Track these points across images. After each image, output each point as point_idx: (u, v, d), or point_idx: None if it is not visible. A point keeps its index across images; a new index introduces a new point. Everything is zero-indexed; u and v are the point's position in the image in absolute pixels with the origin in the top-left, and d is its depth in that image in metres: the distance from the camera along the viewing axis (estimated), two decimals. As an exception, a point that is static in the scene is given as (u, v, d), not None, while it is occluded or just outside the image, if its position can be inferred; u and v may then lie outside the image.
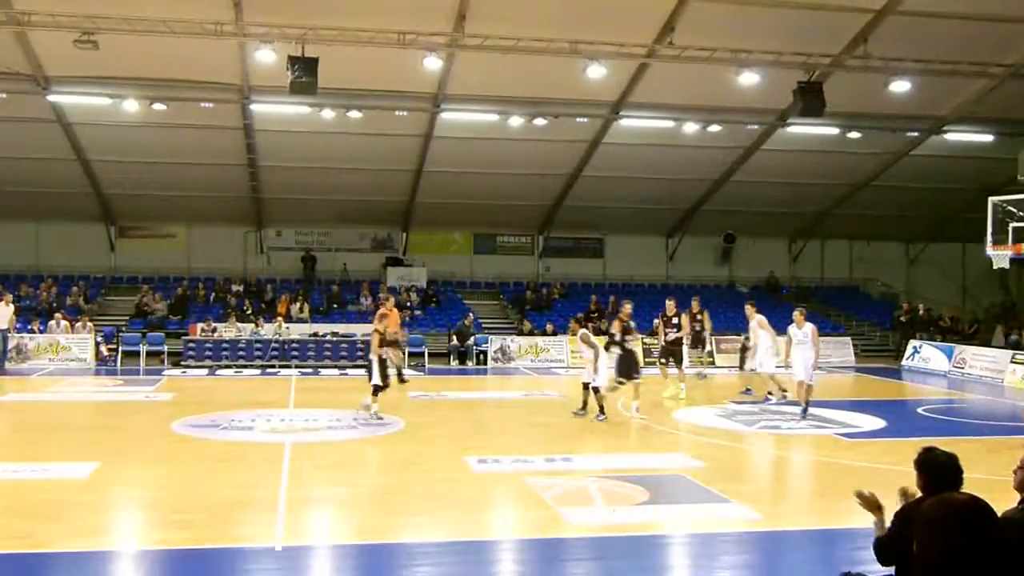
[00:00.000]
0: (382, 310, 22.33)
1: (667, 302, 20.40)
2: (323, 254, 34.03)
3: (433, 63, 22.14)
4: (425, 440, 15.07)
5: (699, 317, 21.50)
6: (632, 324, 17.39)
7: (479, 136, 27.51)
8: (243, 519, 9.78)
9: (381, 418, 16.33)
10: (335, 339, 28.24)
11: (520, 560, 9.07)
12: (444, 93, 25.20)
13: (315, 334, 28.53)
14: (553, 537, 9.33)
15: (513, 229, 35.04)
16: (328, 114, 25.30)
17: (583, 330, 17.97)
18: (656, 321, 21.05)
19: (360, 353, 27.09)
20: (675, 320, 19.92)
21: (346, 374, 25.59)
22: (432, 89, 24.95)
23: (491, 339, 28.56)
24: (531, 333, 29.43)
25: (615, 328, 17.36)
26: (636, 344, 18.28)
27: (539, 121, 26.01)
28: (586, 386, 16.91)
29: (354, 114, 25.25)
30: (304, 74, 20.82)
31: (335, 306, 31.66)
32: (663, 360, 20.27)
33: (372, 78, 24.14)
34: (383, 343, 16.79)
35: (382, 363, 16.61)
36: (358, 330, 28.66)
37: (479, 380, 25.29)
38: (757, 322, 19.36)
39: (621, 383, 16.95)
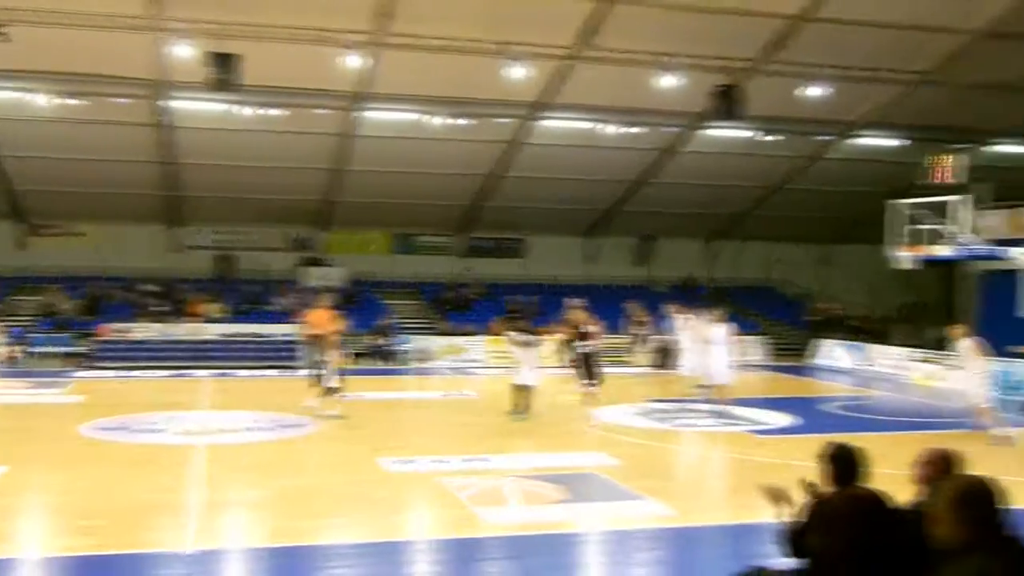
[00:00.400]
0: (316, 310, 22.20)
1: (571, 306, 20.01)
2: (241, 253, 33.52)
3: (355, 61, 21.97)
4: (342, 441, 14.97)
5: (642, 320, 21.55)
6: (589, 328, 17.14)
7: (400, 135, 27.38)
8: (153, 524, 9.59)
9: (340, 416, 16.51)
10: (252, 339, 27.85)
11: (436, 560, 9.05)
12: (366, 92, 25.02)
13: (231, 335, 28.09)
14: (468, 537, 9.34)
15: (433, 229, 34.96)
16: (248, 111, 24.93)
17: (513, 334, 17.92)
18: (563, 327, 19.82)
19: (281, 353, 26.83)
20: (587, 329, 18.50)
21: (264, 375, 25.26)
22: (354, 88, 24.75)
23: (410, 339, 28.46)
24: (451, 333, 29.40)
25: (569, 329, 17.15)
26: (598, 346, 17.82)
27: (461, 121, 25.99)
28: (517, 386, 17.05)
29: (275, 112, 24.94)
30: (223, 71, 20.50)
31: (253, 306, 31.24)
32: (570, 364, 19.15)
33: (293, 76, 23.86)
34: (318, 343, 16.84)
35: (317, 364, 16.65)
36: (276, 330, 28.32)
37: (397, 380, 25.17)
38: (678, 323, 19.35)
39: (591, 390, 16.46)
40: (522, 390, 16.98)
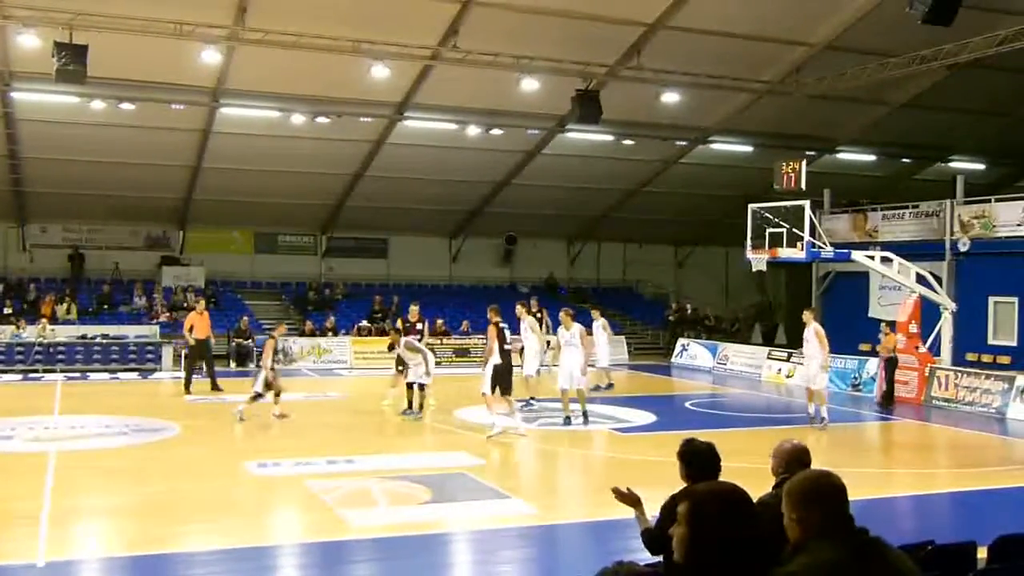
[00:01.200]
0: (194, 314, 21.92)
1: (411, 307, 20.03)
2: (92, 252, 32.25)
3: (212, 56, 21.44)
4: (203, 445, 14.67)
5: (539, 317, 21.61)
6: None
7: (260, 133, 26.85)
8: (3, 535, 9.22)
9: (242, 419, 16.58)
10: (105, 341, 26.87)
11: (301, 564, 9.01)
12: (223, 88, 24.45)
13: (83, 336, 27.06)
14: (334, 540, 9.31)
15: (295, 228, 34.42)
16: (99, 105, 24.02)
17: (406, 338, 17.85)
18: (399, 325, 19.63)
19: (137, 356, 26.01)
20: (419, 326, 19.07)
21: (117, 378, 24.43)
22: (211, 83, 24.15)
23: (272, 340, 27.95)
24: (313, 334, 29.05)
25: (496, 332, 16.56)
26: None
27: (322, 120, 25.70)
28: (410, 385, 17.32)
29: (127, 106, 24.11)
30: (72, 62, 19.66)
31: (105, 307, 30.13)
32: (400, 368, 18.71)
33: (147, 69, 23.11)
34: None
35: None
36: (130, 332, 27.41)
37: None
38: (528, 324, 18.78)
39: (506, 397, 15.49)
40: (413, 389, 17.32)
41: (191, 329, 21.34)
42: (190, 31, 20.56)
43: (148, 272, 32.28)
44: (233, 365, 26.83)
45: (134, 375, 25.03)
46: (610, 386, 22.50)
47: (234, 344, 27.40)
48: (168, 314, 29.01)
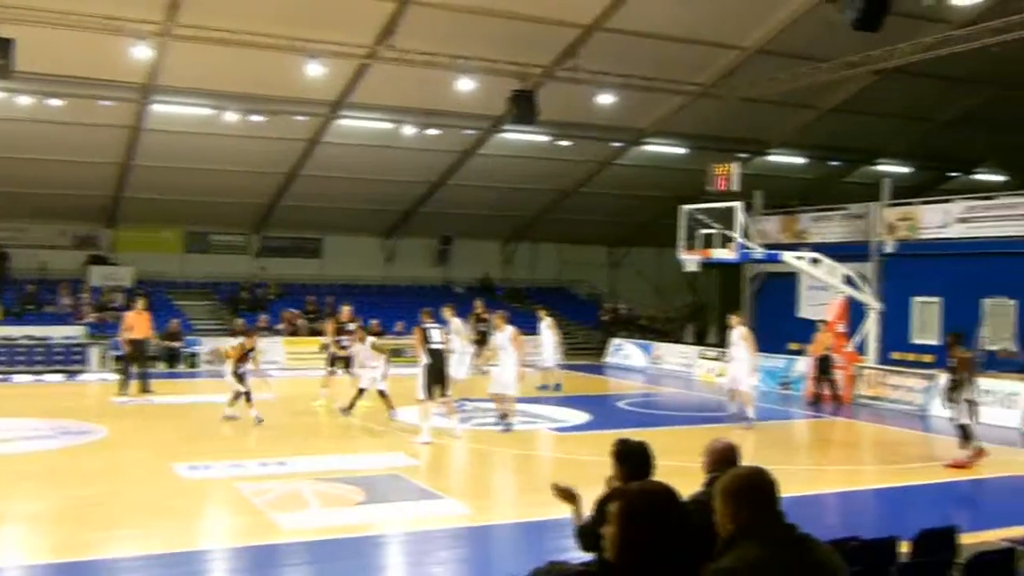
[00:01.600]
0: (132, 313, 21.52)
1: (343, 308, 20.39)
2: (17, 251, 31.47)
3: (142, 52, 21.06)
4: (131, 447, 14.41)
5: (484, 317, 21.52)
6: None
7: (192, 131, 26.43)
8: (-80, 542, 8.97)
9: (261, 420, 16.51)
10: (30, 343, 26.26)
11: (231, 569, 8.91)
12: (154, 84, 24.03)
13: (7, 338, 26.39)
14: (265, 543, 9.22)
15: (228, 227, 33.94)
16: (25, 100, 23.47)
17: (371, 338, 18.01)
18: (329, 325, 20.26)
19: (63, 357, 25.46)
20: (349, 327, 19.05)
21: (42, 380, 23.88)
22: (141, 80, 23.72)
23: (203, 341, 27.58)
24: (243, 333, 28.65)
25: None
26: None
27: (255, 118, 25.39)
28: (362, 390, 17.39)
29: (54, 102, 23.59)
30: (-5, 56, 19.20)
31: (30, 307, 29.43)
32: (331, 368, 19.08)
33: (75, 64, 22.62)
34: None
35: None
36: (56, 333, 26.81)
37: (189, 384, 24.34)
38: (453, 327, 18.65)
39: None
40: (379, 393, 17.30)
41: (130, 328, 20.99)
42: (120, 26, 20.18)
43: (76, 272, 31.61)
44: (163, 367, 26.41)
45: (60, 377, 24.48)
46: (558, 387, 22.47)
47: (163, 346, 26.94)
48: (95, 315, 28.42)
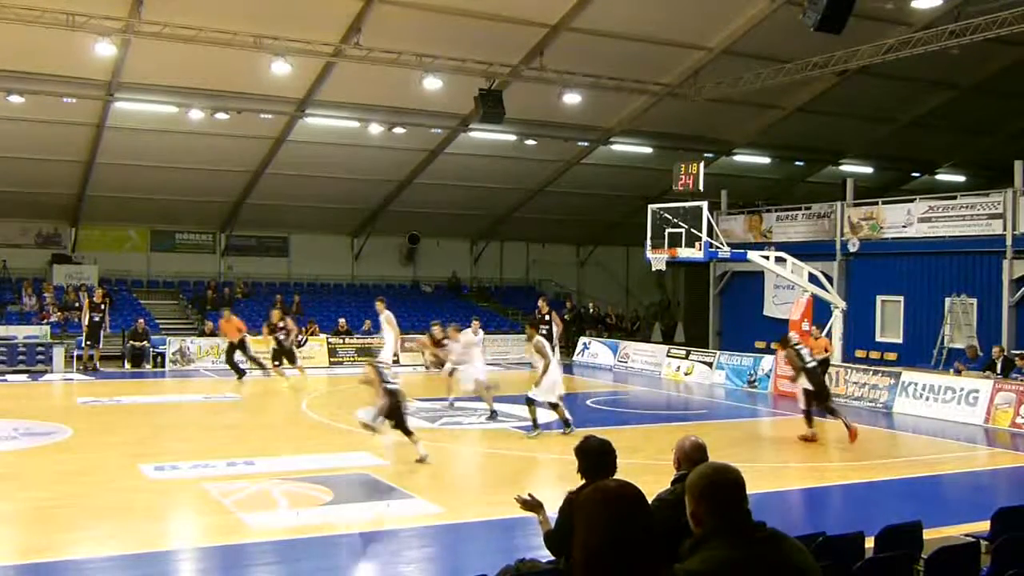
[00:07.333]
0: (222, 321, 22.34)
1: (272, 311, 24.04)
2: (-22, 250, 31.12)
3: (106, 49, 20.85)
4: (96, 448, 14.28)
5: (547, 318, 21.49)
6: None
7: (157, 128, 26.19)
8: None
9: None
10: (-8, 342, 25.93)
11: (198, 570, 8.87)
12: (118, 81, 23.81)
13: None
14: (234, 543, 9.19)
15: (194, 226, 33.68)
16: (-16, 97, 23.22)
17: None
18: (264, 328, 24.06)
19: (21, 358, 25.14)
20: (280, 325, 23.30)
21: (5, 380, 23.58)
22: (105, 76, 23.48)
23: (169, 340, 27.36)
24: (212, 334, 28.48)
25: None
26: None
27: (221, 115, 25.22)
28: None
29: (16, 99, 23.30)
30: (-45, 53, 18.97)
31: (-8, 307, 29.08)
32: (276, 363, 23.35)
33: (37, 61, 22.36)
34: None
35: None
36: (19, 332, 26.44)
37: (156, 383, 24.14)
38: (385, 318, 18.64)
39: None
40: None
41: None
42: (83, 22, 19.97)
43: (39, 271, 31.26)
44: (128, 366, 26.18)
45: (23, 377, 24.21)
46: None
47: (129, 345, 26.70)
48: (59, 314, 28.11)
